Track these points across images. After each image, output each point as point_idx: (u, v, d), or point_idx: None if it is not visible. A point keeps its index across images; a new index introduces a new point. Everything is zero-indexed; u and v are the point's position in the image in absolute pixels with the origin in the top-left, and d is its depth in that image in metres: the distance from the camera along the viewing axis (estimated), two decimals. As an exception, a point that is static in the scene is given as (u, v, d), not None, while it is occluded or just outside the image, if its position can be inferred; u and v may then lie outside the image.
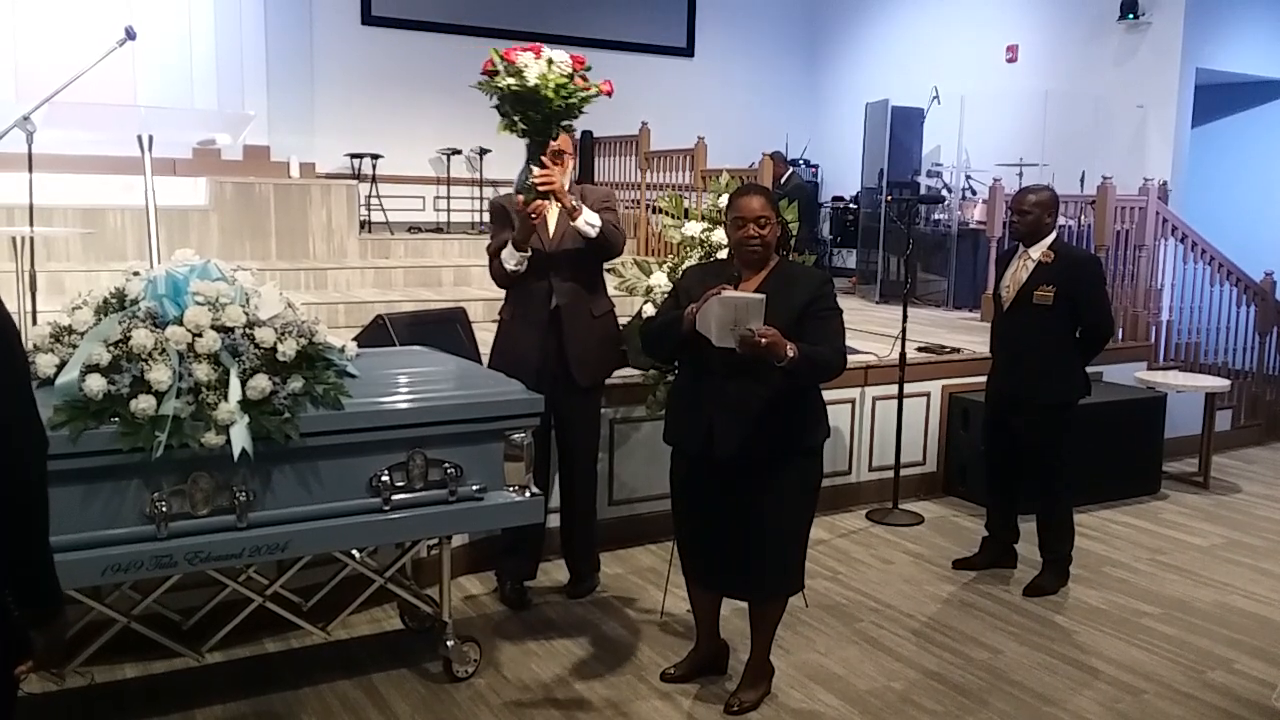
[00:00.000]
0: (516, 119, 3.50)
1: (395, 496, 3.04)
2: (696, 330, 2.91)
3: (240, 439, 2.72)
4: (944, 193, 9.60)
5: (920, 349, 5.77)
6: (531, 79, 3.41)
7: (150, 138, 4.28)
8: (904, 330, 5.21)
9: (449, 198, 10.06)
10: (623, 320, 4.14)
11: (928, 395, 5.58)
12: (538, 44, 3.54)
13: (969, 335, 6.49)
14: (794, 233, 3.66)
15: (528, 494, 3.24)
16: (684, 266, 3.94)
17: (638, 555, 4.56)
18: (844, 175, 11.48)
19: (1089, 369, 4.34)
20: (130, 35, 4.10)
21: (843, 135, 11.28)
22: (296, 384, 2.84)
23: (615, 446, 4.62)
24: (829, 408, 3.24)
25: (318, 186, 7.86)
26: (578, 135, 3.91)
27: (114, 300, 2.86)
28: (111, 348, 2.70)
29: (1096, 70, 9.13)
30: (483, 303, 6.32)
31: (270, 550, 2.89)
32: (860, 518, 5.24)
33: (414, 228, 9.51)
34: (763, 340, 2.79)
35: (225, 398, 2.73)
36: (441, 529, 3.22)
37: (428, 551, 3.71)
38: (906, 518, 5.22)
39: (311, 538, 2.96)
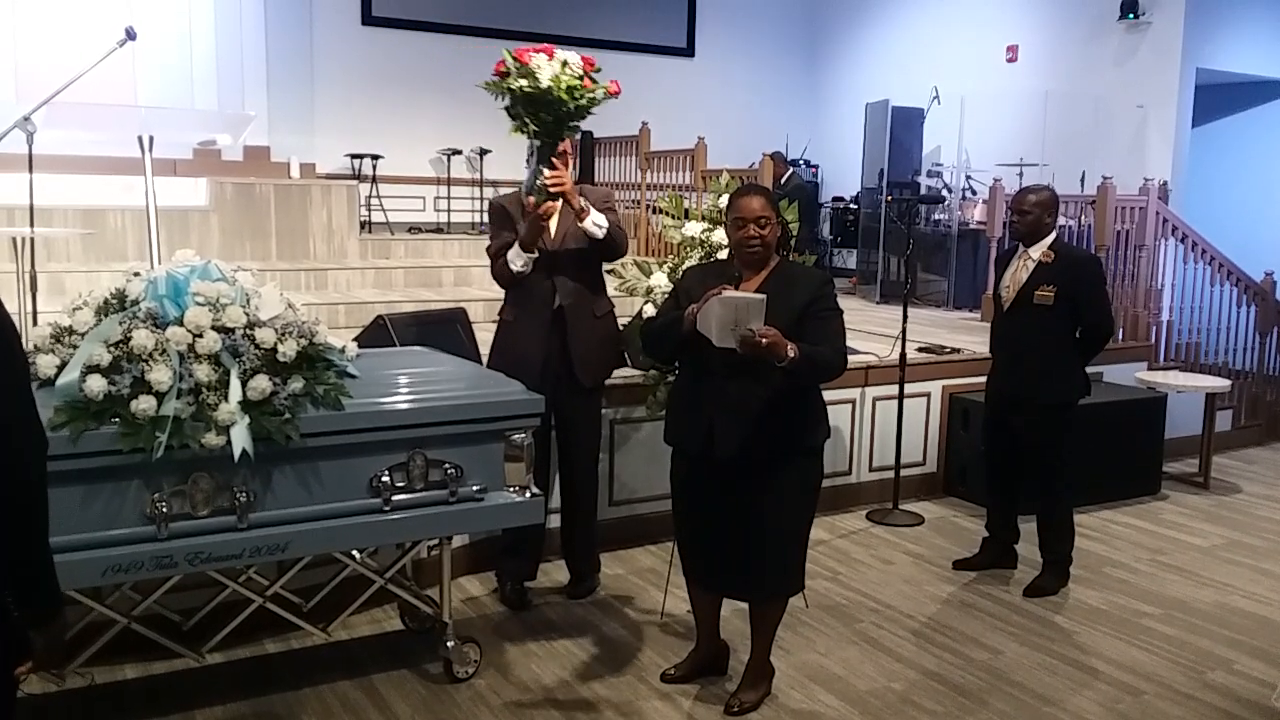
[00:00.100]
0: (528, 120, 3.49)
1: (395, 497, 3.04)
2: (697, 330, 2.91)
3: (241, 440, 2.72)
4: (944, 193, 9.61)
5: (920, 349, 5.77)
6: (544, 80, 3.40)
7: (150, 138, 4.28)
8: (904, 330, 5.21)
9: (449, 198, 10.06)
10: (623, 321, 4.14)
11: (928, 396, 5.58)
12: (549, 45, 3.53)
13: (969, 335, 6.49)
14: (794, 233, 3.67)
15: (528, 494, 3.24)
16: (684, 267, 3.94)
17: (638, 556, 4.57)
18: (844, 175, 11.48)
19: (1089, 369, 4.34)
20: (130, 35, 4.10)
21: (843, 135, 11.28)
22: (297, 384, 2.84)
23: (615, 447, 4.62)
24: (829, 408, 3.24)
25: (318, 187, 7.86)
26: (578, 136, 3.90)
27: (114, 301, 2.86)
28: (112, 348, 2.70)
29: (1096, 70, 9.13)
30: (483, 303, 6.32)
31: (271, 551, 2.89)
32: (860, 518, 5.24)
33: (414, 228, 9.51)
34: (763, 340, 2.79)
35: (226, 398, 2.73)
36: (442, 529, 3.22)
37: (428, 552, 3.71)
38: (907, 518, 5.22)
39: (312, 538, 2.96)
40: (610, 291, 4.04)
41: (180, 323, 2.77)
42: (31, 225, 4.28)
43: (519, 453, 3.20)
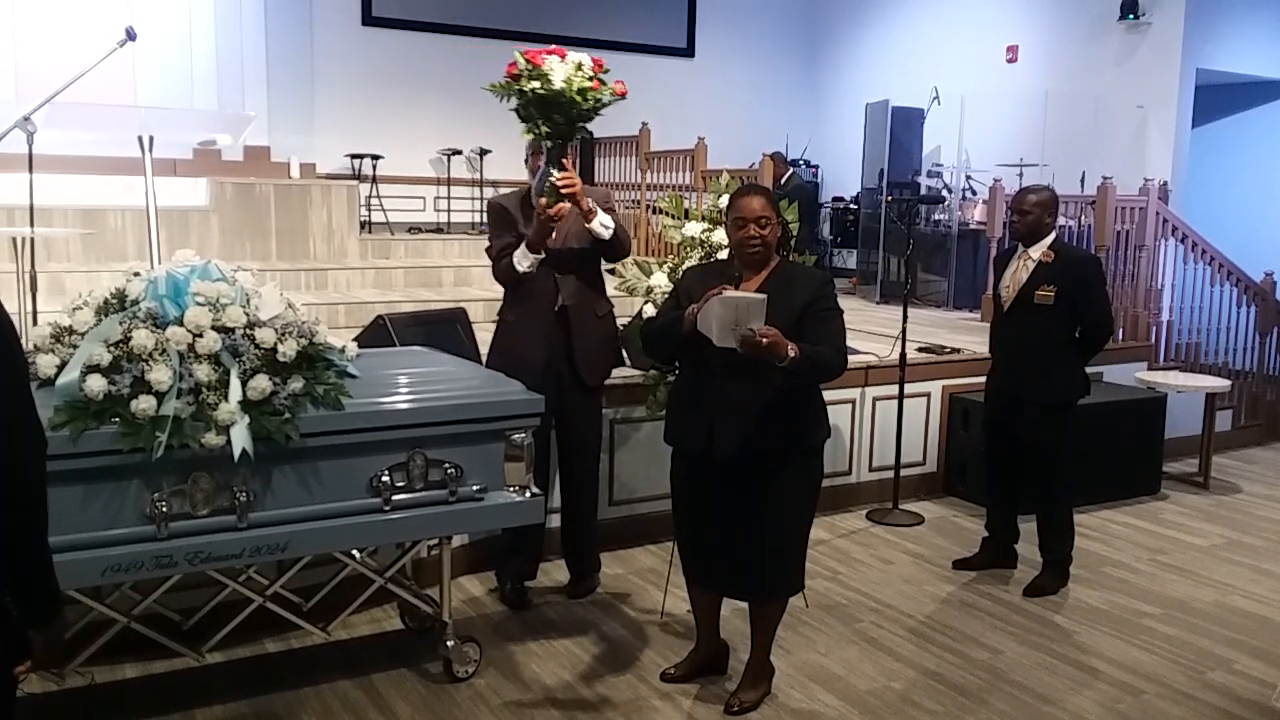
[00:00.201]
0: (540, 122, 3.49)
1: (395, 497, 3.05)
2: (697, 330, 2.92)
3: (240, 439, 2.72)
4: (944, 193, 9.60)
5: (920, 349, 5.77)
6: (557, 82, 3.40)
7: (151, 138, 4.28)
8: (904, 330, 5.21)
9: (449, 198, 10.06)
10: (623, 321, 4.15)
11: (928, 395, 5.58)
12: (560, 47, 3.52)
13: (969, 335, 6.49)
14: (794, 233, 3.67)
15: (528, 494, 3.24)
16: (684, 267, 3.94)
17: (638, 555, 4.57)
18: (844, 175, 11.48)
19: (1088, 369, 4.34)
20: (130, 36, 4.10)
21: (843, 135, 11.28)
22: (297, 384, 2.84)
23: (615, 447, 4.62)
24: (829, 408, 3.24)
25: (318, 187, 7.86)
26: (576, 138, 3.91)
27: (114, 301, 2.86)
28: (112, 348, 2.70)
29: (1097, 70, 9.13)
30: (483, 303, 6.31)
31: (270, 550, 2.89)
32: (860, 518, 5.24)
33: (414, 228, 9.51)
34: (764, 340, 2.79)
35: (226, 398, 2.73)
36: (442, 529, 3.22)
37: (428, 552, 3.71)
38: (906, 518, 5.22)
39: (312, 538, 2.96)
40: (610, 291, 4.05)
41: (180, 323, 2.77)
42: (31, 225, 4.28)
43: (519, 452, 3.20)
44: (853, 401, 5.32)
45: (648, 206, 8.53)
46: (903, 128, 9.87)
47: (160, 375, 2.67)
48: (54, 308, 3.47)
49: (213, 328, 2.78)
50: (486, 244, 3.91)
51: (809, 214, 9.79)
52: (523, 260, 3.69)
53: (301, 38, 9.36)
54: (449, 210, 10.06)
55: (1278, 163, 9.24)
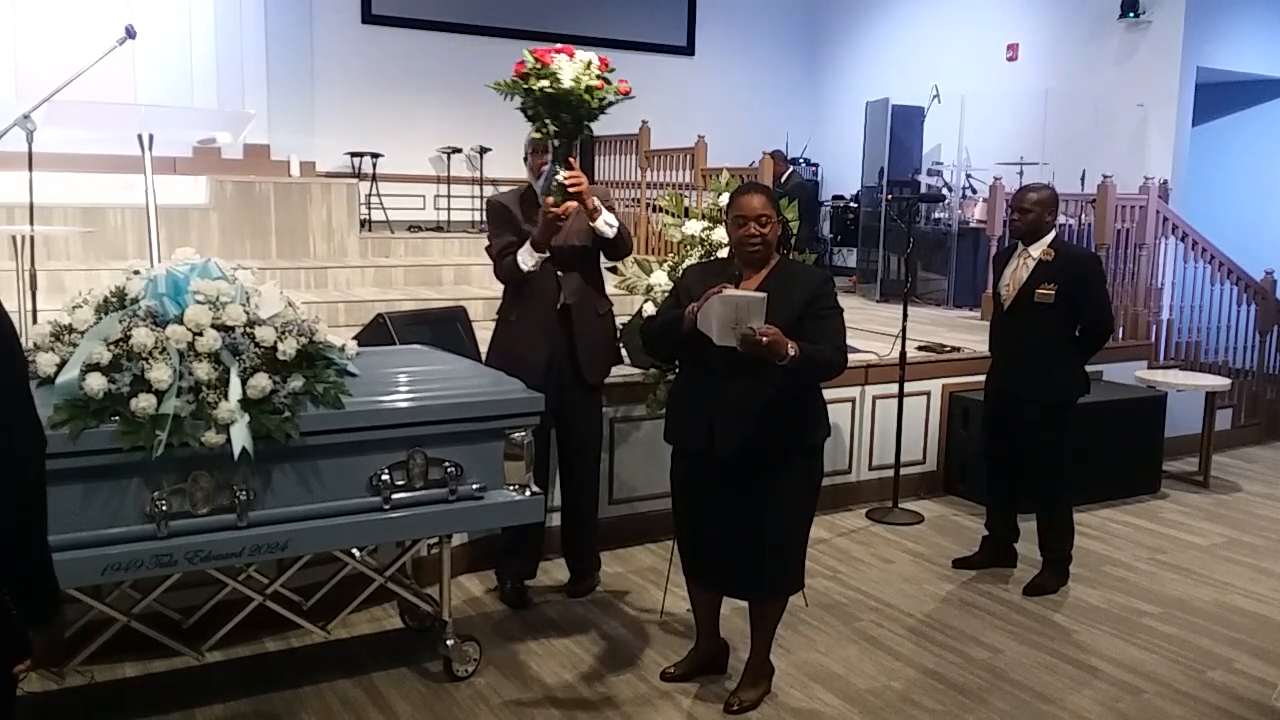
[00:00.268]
0: (548, 121, 3.48)
1: (395, 495, 3.04)
2: (697, 329, 2.91)
3: (240, 438, 2.72)
4: (944, 191, 9.60)
5: (920, 348, 5.77)
6: (566, 81, 3.39)
7: (150, 136, 4.28)
8: (904, 329, 5.21)
9: (449, 196, 10.06)
10: (622, 319, 4.14)
11: (928, 394, 5.58)
12: (569, 46, 3.51)
13: (969, 334, 6.49)
14: (794, 232, 3.66)
15: (528, 493, 3.24)
16: (684, 265, 3.94)
17: (638, 554, 4.57)
18: (844, 174, 11.47)
19: (1088, 368, 4.34)
20: (130, 34, 4.10)
21: (843, 134, 11.28)
22: (297, 383, 2.84)
23: (615, 445, 4.62)
24: (829, 406, 3.24)
25: (318, 185, 7.85)
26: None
27: (114, 299, 2.86)
28: (112, 346, 2.70)
29: (1097, 69, 9.13)
30: (483, 301, 6.31)
31: (270, 549, 2.89)
32: (860, 517, 5.24)
33: (414, 226, 9.51)
34: (764, 339, 2.79)
35: (225, 396, 2.73)
36: (441, 528, 3.22)
37: (428, 550, 3.71)
38: (906, 517, 5.22)
39: (311, 536, 2.96)
40: (610, 290, 4.05)
41: (180, 321, 2.77)
42: (31, 223, 4.28)
43: (519, 451, 3.20)
44: (853, 400, 5.32)
45: (648, 205, 8.53)
46: (903, 126, 9.87)
47: (160, 374, 2.67)
48: (54, 306, 3.47)
49: (213, 326, 2.78)
50: (486, 243, 3.90)
51: (809, 212, 9.79)
52: (528, 259, 3.68)
53: (301, 36, 9.35)
54: (449, 209, 10.06)
55: (1278, 161, 9.24)
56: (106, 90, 6.50)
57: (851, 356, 4.12)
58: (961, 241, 8.84)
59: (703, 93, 11.21)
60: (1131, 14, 8.74)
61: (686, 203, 4.55)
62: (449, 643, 3.36)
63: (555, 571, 4.22)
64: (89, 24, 7.62)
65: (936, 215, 9.41)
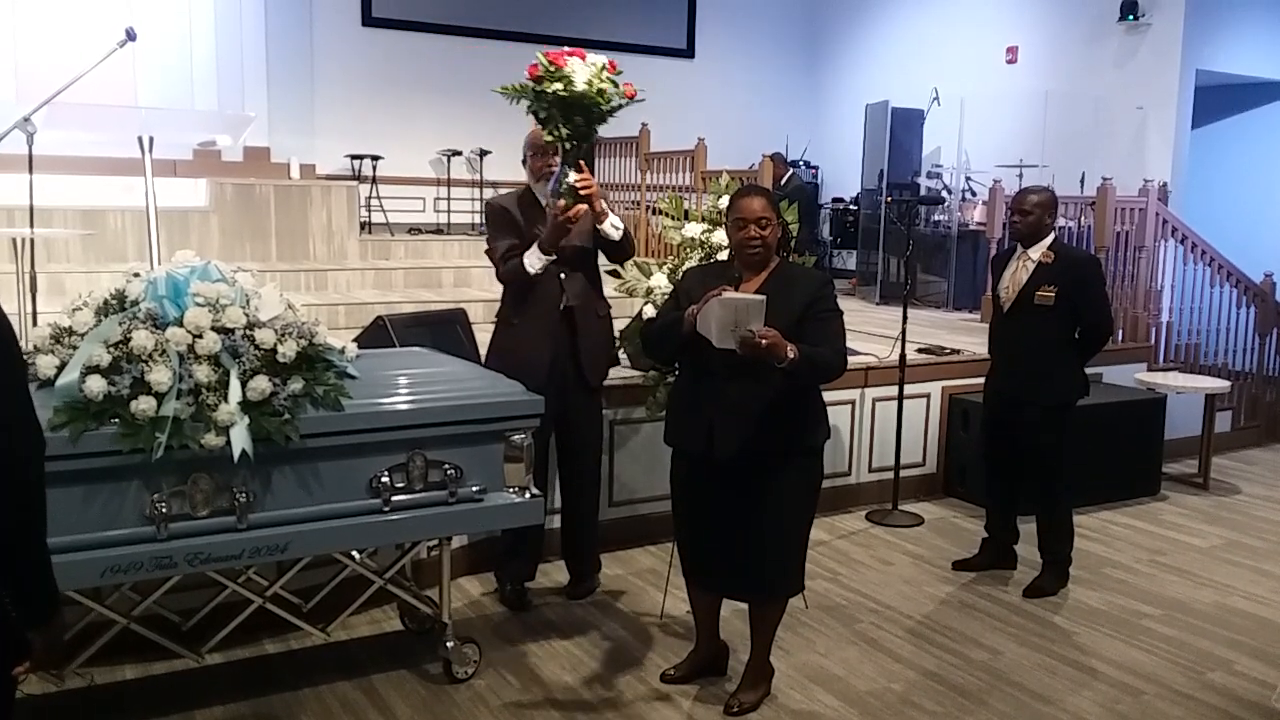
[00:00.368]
0: (561, 124, 3.48)
1: (395, 498, 3.04)
2: (697, 331, 2.92)
3: (240, 440, 2.72)
4: (944, 194, 9.60)
5: (920, 350, 5.77)
6: (580, 84, 3.39)
7: (150, 139, 4.28)
8: (904, 331, 5.21)
9: (449, 199, 10.07)
10: (622, 321, 4.15)
11: (927, 396, 5.58)
12: (579, 49, 3.51)
13: (969, 336, 6.49)
14: (794, 234, 3.66)
15: (528, 495, 3.24)
16: (684, 268, 3.94)
17: (638, 556, 4.57)
18: (844, 176, 11.48)
19: (1088, 370, 4.35)
20: (130, 36, 4.10)
21: (843, 136, 11.28)
22: (296, 385, 2.84)
23: (615, 447, 4.62)
24: (829, 409, 3.24)
25: (318, 188, 7.86)
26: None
27: (114, 301, 2.86)
28: (112, 349, 2.70)
29: (1096, 71, 9.13)
30: (483, 304, 6.31)
31: (270, 551, 2.89)
32: (860, 519, 5.24)
33: (414, 229, 9.52)
34: (763, 341, 2.79)
35: (225, 399, 2.73)
36: (441, 530, 3.22)
37: (427, 553, 3.71)
38: (906, 519, 5.22)
39: (311, 539, 2.95)
40: (610, 292, 4.05)
41: (180, 323, 2.77)
42: (31, 226, 4.28)
43: (519, 453, 3.20)
44: (852, 402, 5.32)
45: (647, 207, 8.53)
46: (903, 128, 9.87)
47: (160, 376, 2.67)
48: (54, 308, 3.47)
49: (212, 328, 2.78)
50: (485, 246, 3.90)
51: (809, 215, 9.79)
52: (535, 262, 3.68)
53: (301, 38, 9.36)
54: (449, 211, 10.07)
55: (1277, 163, 9.24)
56: (107, 93, 6.50)
57: (851, 359, 4.13)
58: (961, 244, 8.84)
59: (702, 95, 11.21)
60: (1131, 16, 8.75)
61: (686, 205, 4.56)
62: (449, 645, 3.36)
63: (555, 573, 4.22)
64: (89, 26, 7.64)
65: (936, 217, 9.41)
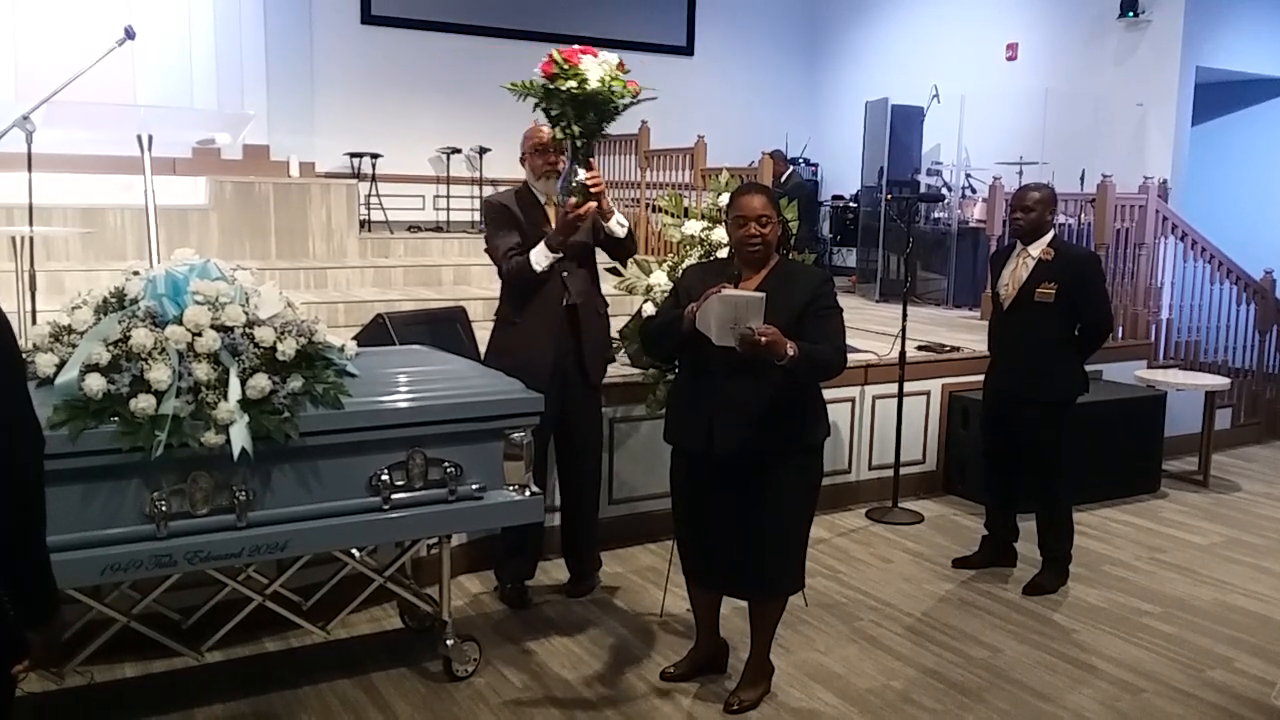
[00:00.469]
0: (572, 122, 3.48)
1: (395, 496, 3.05)
2: (696, 329, 2.91)
3: (240, 438, 2.72)
4: (944, 191, 9.61)
5: (920, 348, 5.77)
6: (593, 82, 3.39)
7: (150, 137, 4.28)
8: (904, 329, 5.21)
9: (449, 197, 10.06)
10: (623, 320, 4.15)
11: (927, 394, 5.58)
12: (590, 46, 3.50)
13: (969, 334, 6.49)
14: (794, 231, 3.66)
15: (527, 493, 3.24)
16: (684, 265, 3.94)
17: (638, 554, 4.57)
18: (844, 174, 11.47)
19: (1088, 367, 4.35)
20: (130, 35, 4.10)
21: (843, 134, 11.28)
22: (296, 383, 2.84)
23: (615, 446, 4.62)
24: (829, 406, 3.24)
25: (317, 186, 7.85)
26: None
27: (113, 300, 2.86)
28: (111, 347, 2.70)
29: (1096, 69, 9.13)
30: (482, 302, 6.31)
31: (270, 549, 2.89)
32: (860, 516, 5.24)
33: (414, 227, 9.51)
34: (762, 339, 2.79)
35: (225, 397, 2.73)
36: (441, 528, 3.22)
37: (427, 551, 3.71)
38: (906, 516, 5.22)
39: (311, 537, 2.96)
40: (609, 291, 4.05)
41: (179, 321, 2.77)
42: (31, 224, 4.28)
43: (518, 451, 3.20)
44: (852, 400, 5.32)
45: (647, 205, 8.52)
46: (902, 126, 9.87)
47: (159, 374, 2.67)
48: (53, 307, 3.47)
49: (212, 326, 2.78)
50: (485, 245, 3.90)
51: (809, 212, 9.79)
52: (542, 259, 3.67)
53: (301, 36, 9.35)
54: (448, 209, 10.06)
55: (1277, 161, 9.24)
56: (106, 91, 6.50)
57: (851, 356, 4.13)
58: (961, 241, 8.84)
59: (702, 93, 11.19)
60: (1131, 13, 8.74)
61: (686, 203, 4.56)
62: (449, 643, 3.36)
63: (555, 571, 4.22)
64: (89, 25, 7.63)
65: (936, 215, 9.41)
